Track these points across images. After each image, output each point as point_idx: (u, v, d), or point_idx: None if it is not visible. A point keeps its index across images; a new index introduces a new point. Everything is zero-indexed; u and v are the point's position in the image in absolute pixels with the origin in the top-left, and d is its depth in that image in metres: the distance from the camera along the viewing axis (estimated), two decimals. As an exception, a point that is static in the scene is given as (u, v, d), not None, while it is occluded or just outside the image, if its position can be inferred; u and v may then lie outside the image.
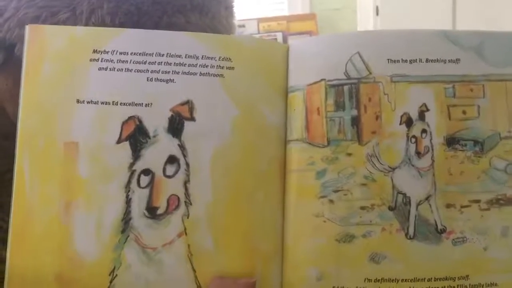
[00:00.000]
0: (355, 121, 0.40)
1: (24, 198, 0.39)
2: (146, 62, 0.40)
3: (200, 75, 0.40)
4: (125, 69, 0.40)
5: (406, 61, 0.40)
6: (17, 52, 0.45)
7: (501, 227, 0.40)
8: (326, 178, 0.40)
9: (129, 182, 0.39)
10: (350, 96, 0.40)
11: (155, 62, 0.40)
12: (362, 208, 0.39)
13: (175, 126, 0.40)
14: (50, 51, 0.40)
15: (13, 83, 0.40)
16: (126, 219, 0.39)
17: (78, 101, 0.40)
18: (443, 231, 0.39)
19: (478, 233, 0.40)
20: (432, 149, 0.40)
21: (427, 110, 0.40)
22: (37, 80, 0.40)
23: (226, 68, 0.41)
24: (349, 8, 2.56)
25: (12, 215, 0.39)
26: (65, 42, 0.41)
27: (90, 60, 0.40)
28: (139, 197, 0.39)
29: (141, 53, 0.40)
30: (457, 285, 0.39)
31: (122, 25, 0.45)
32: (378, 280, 0.39)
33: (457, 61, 0.40)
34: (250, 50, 0.42)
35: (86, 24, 0.44)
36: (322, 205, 0.40)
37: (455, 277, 0.39)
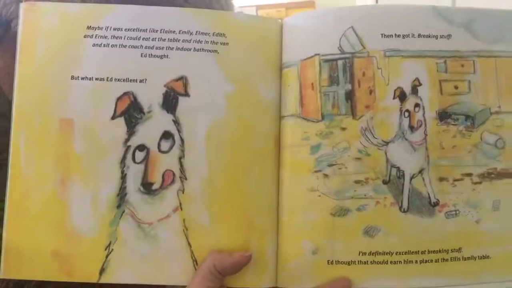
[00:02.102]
0: (349, 96, 0.41)
1: (20, 175, 0.40)
2: (140, 38, 0.41)
3: (194, 50, 0.41)
4: (119, 45, 0.41)
5: (399, 36, 0.41)
6: (14, 28, 0.45)
7: (493, 201, 0.41)
8: (321, 153, 0.41)
9: (124, 157, 0.40)
10: (344, 71, 0.41)
11: (149, 38, 0.41)
12: (357, 182, 0.41)
13: (170, 102, 0.41)
14: (44, 28, 0.41)
15: (10, 60, 0.41)
16: (122, 194, 0.40)
17: (72, 77, 0.40)
18: (436, 204, 0.41)
19: (470, 206, 0.41)
20: (425, 123, 0.41)
21: (420, 84, 0.41)
22: (32, 58, 0.41)
23: (220, 44, 0.42)
24: (348, -6, 2.56)
25: (8, 192, 0.40)
26: (59, 19, 0.41)
27: (84, 36, 0.41)
28: (134, 172, 0.40)
29: (135, 29, 0.41)
30: (450, 258, 0.40)
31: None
32: (373, 253, 0.40)
33: (448, 37, 0.42)
34: (244, 26, 0.42)
35: (83, 1, 0.45)
36: (317, 179, 0.40)
37: (448, 250, 0.40)
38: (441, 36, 0.42)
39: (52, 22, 0.41)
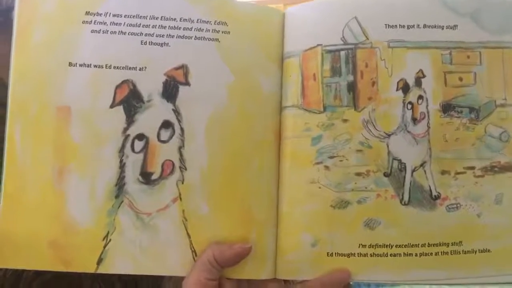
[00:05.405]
0: (352, 87, 0.42)
1: (16, 164, 0.40)
2: (140, 25, 0.41)
3: (195, 39, 0.42)
4: (119, 32, 0.41)
5: (403, 26, 0.42)
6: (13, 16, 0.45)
7: (495, 194, 0.42)
8: (322, 144, 0.41)
9: (123, 147, 0.41)
10: (347, 62, 0.42)
11: (149, 25, 0.41)
12: (358, 174, 0.41)
13: (170, 91, 0.41)
14: (41, 13, 0.41)
15: (10, 49, 0.41)
16: (120, 184, 0.40)
17: (70, 64, 0.41)
18: (437, 197, 0.41)
19: (472, 199, 0.42)
20: (428, 116, 0.42)
21: (424, 76, 0.42)
22: (28, 44, 0.41)
23: (222, 33, 0.42)
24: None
25: (3, 181, 0.40)
26: (56, 4, 0.42)
27: (83, 22, 0.41)
28: (133, 162, 0.41)
29: (135, 15, 0.41)
30: (451, 251, 0.41)
31: None
32: (373, 246, 0.41)
33: (454, 27, 0.42)
34: (246, 15, 0.43)
35: None
36: (318, 171, 0.41)
37: (448, 243, 0.41)
38: (447, 27, 0.42)
39: (49, 7, 0.42)
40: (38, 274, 0.45)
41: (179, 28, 0.42)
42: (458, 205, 0.42)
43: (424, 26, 0.42)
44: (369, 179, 0.41)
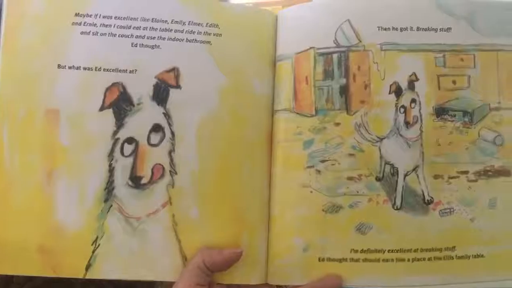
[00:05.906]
0: (344, 90, 0.41)
1: (3, 167, 0.40)
2: (130, 27, 0.41)
3: (186, 41, 0.41)
4: (109, 33, 0.41)
5: (396, 29, 0.41)
6: None
7: (489, 199, 0.42)
8: (313, 148, 0.41)
9: (112, 150, 0.40)
10: (339, 65, 0.41)
11: (140, 27, 0.41)
12: (350, 178, 0.41)
13: (161, 94, 0.41)
14: (30, 14, 0.41)
15: None
16: (109, 188, 0.40)
17: (59, 66, 0.41)
18: (430, 202, 0.41)
19: (465, 204, 0.41)
20: (421, 119, 0.41)
21: (417, 79, 0.41)
22: (16, 45, 0.41)
23: (214, 35, 0.42)
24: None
25: None
26: (45, 5, 0.41)
27: (72, 24, 0.41)
28: (123, 166, 0.40)
29: (125, 17, 0.41)
30: (444, 256, 0.41)
31: None
32: (364, 251, 0.41)
33: (448, 30, 0.42)
34: (238, 17, 0.43)
35: None
36: (309, 175, 0.41)
37: (441, 248, 0.41)
38: (441, 29, 0.42)
39: (38, 8, 0.41)
40: (28, 279, 0.44)
41: (171, 31, 0.41)
42: (451, 209, 0.41)
43: (418, 28, 0.42)
44: (361, 184, 0.41)
